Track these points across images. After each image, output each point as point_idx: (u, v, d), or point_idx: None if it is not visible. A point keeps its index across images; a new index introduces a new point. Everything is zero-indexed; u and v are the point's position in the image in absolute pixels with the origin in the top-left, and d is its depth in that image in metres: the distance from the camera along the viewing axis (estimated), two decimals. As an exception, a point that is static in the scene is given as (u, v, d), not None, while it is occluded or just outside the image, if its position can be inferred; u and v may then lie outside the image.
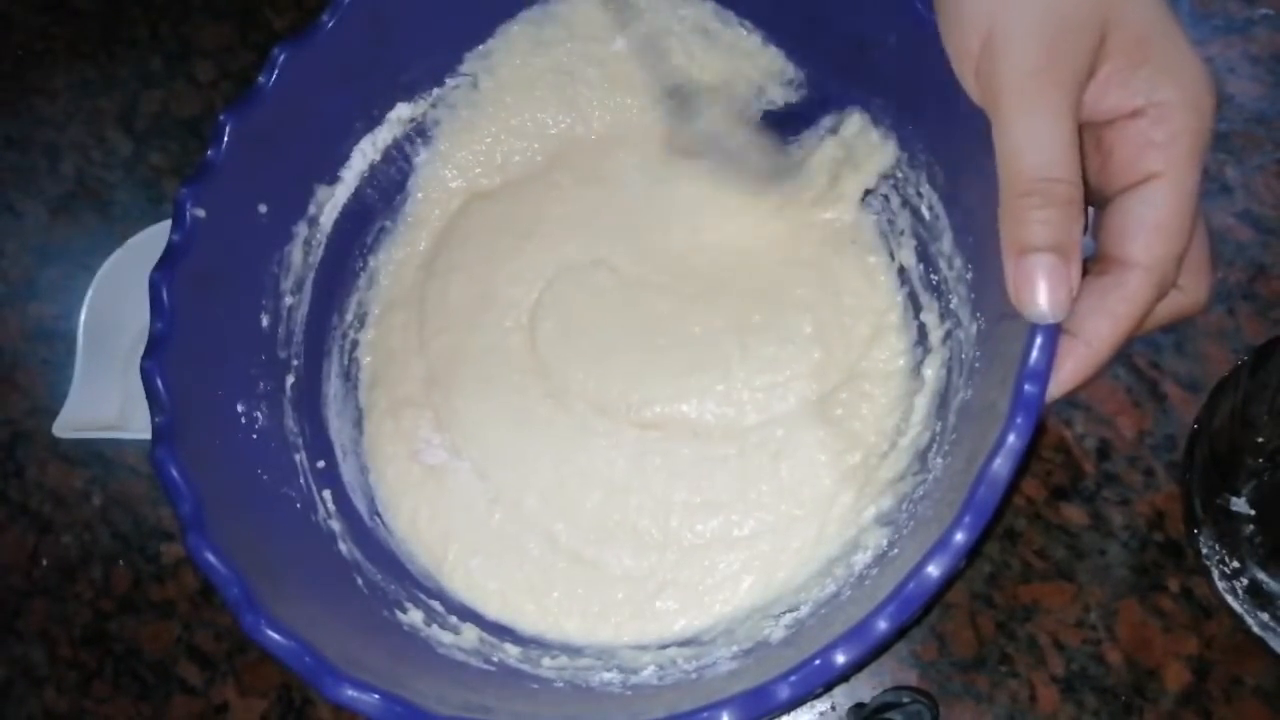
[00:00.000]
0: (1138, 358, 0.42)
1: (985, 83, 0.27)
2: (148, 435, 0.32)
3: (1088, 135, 0.27)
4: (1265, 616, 0.36)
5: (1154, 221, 0.25)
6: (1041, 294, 0.25)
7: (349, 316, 0.42)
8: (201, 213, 0.34)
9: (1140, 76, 0.26)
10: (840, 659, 0.26)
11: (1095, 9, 0.25)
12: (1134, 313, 0.26)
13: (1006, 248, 0.26)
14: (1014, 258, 0.26)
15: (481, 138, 0.44)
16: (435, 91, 0.42)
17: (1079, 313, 0.26)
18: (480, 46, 0.41)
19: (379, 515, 0.40)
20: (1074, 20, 0.25)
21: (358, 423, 0.41)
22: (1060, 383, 0.26)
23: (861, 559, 0.34)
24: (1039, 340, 0.27)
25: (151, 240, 0.46)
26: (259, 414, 0.36)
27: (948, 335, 0.36)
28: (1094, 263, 0.27)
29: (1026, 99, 0.25)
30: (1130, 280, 0.26)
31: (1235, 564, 0.36)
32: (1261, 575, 0.36)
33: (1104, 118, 0.27)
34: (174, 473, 0.31)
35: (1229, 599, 0.36)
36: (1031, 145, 0.25)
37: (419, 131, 0.42)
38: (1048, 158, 0.25)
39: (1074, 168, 0.25)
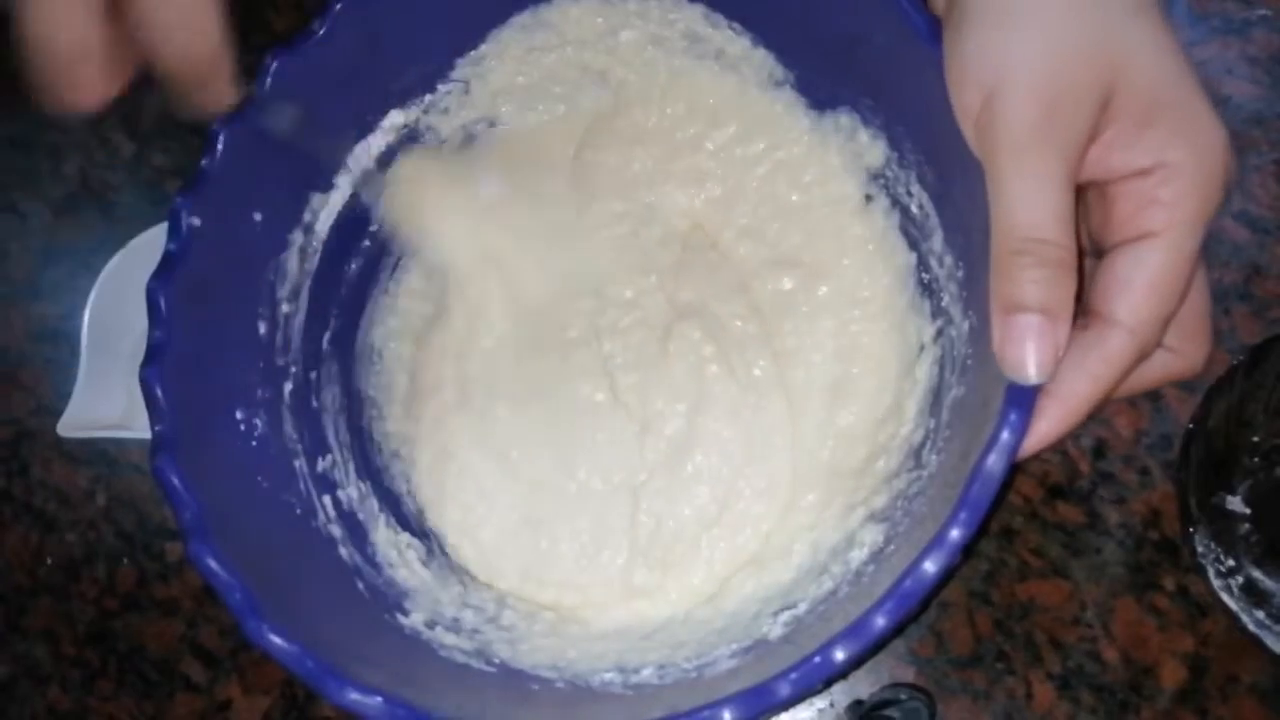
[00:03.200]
0: (1134, 357, 0.42)
1: (982, 139, 0.27)
2: (150, 433, 0.32)
3: (1094, 191, 0.27)
4: (1260, 614, 0.36)
5: (1143, 281, 0.25)
6: (1029, 356, 0.25)
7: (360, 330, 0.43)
8: (197, 221, 0.34)
9: (1148, 138, 0.25)
10: (839, 655, 0.26)
11: (1101, 71, 0.25)
12: (1112, 374, 0.25)
13: (995, 304, 0.26)
14: (1001, 315, 0.26)
15: None
16: (428, 98, 0.42)
17: (1058, 367, 0.26)
18: (472, 52, 0.42)
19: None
20: (1077, 83, 0.25)
21: (358, 429, 0.42)
22: (1034, 439, 0.26)
23: (858, 556, 0.34)
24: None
25: (154, 241, 0.46)
26: (258, 421, 0.36)
27: (939, 333, 0.36)
28: (1079, 315, 0.27)
29: (1021, 160, 0.25)
30: (1111, 340, 0.25)
31: (1231, 562, 0.36)
32: (1257, 573, 0.36)
33: (1110, 177, 0.26)
34: (175, 480, 0.31)
35: (1224, 597, 0.36)
36: (1024, 205, 0.25)
37: (412, 137, 0.42)
38: (1039, 218, 0.25)
39: (1066, 231, 0.25)
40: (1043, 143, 0.25)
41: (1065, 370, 0.25)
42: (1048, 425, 0.26)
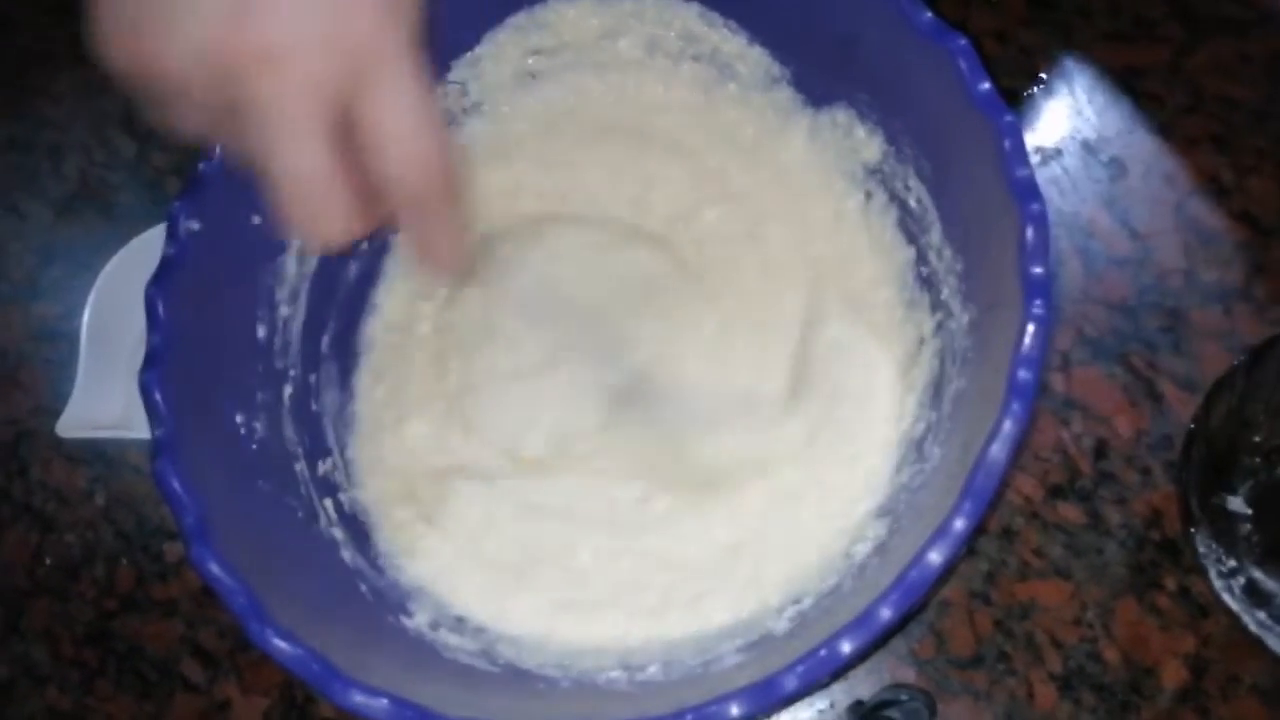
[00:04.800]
0: (1135, 358, 0.42)
1: None
2: (150, 435, 0.32)
3: None
4: (1262, 615, 0.36)
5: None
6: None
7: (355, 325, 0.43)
8: (195, 226, 0.34)
9: None
10: (846, 648, 0.27)
11: None
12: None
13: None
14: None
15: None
16: None
17: None
18: (468, 54, 0.42)
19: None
20: None
21: (357, 431, 0.42)
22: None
23: (862, 550, 0.34)
24: (1031, 328, 0.28)
25: (154, 241, 0.46)
26: (258, 424, 0.36)
27: (939, 326, 0.36)
28: None
29: None
30: None
31: (1232, 563, 0.36)
32: (1258, 574, 0.36)
33: None
34: (175, 485, 0.31)
35: (1226, 598, 0.36)
36: None
37: None
38: None
39: None
40: None
41: None
42: None
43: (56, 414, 0.45)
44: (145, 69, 0.24)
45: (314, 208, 0.25)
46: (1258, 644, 0.36)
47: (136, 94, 0.26)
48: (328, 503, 0.38)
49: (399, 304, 0.44)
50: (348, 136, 0.25)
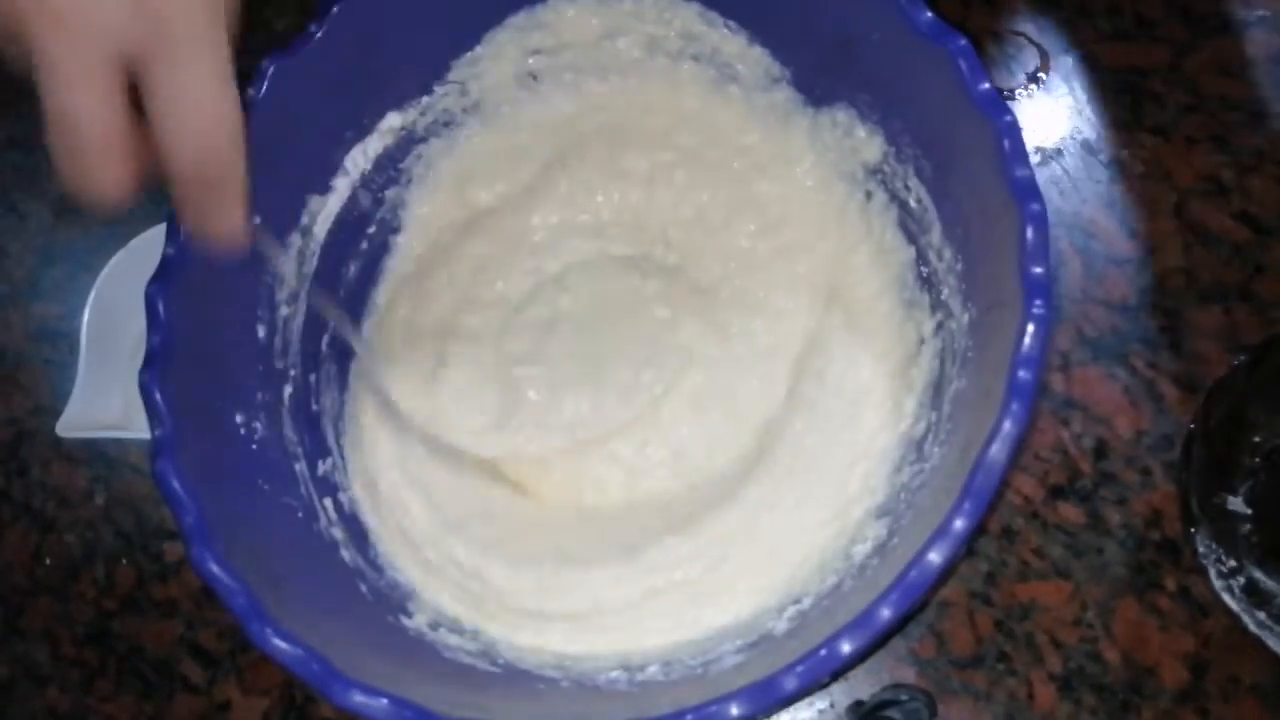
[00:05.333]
0: (1135, 358, 0.42)
1: None
2: (150, 435, 0.32)
3: None
4: (1262, 615, 0.36)
5: None
6: None
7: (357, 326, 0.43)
8: None
9: None
10: (846, 648, 0.27)
11: None
12: None
13: None
14: None
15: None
16: (424, 100, 0.42)
17: None
18: (468, 54, 0.42)
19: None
20: None
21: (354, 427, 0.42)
22: None
23: (862, 550, 0.34)
24: (1031, 328, 0.28)
25: (154, 240, 0.46)
26: (258, 424, 0.36)
27: (939, 326, 0.36)
28: None
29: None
30: None
31: (1232, 563, 0.36)
32: (1258, 574, 0.36)
33: None
34: (175, 485, 0.31)
35: (1226, 598, 0.36)
36: None
37: (409, 139, 0.42)
38: None
39: None
40: None
41: None
42: None
43: (56, 414, 0.45)
44: None
45: (81, 159, 0.25)
46: (1258, 644, 0.36)
47: None
48: (327, 502, 0.38)
49: (399, 303, 0.44)
50: (138, 101, 0.25)
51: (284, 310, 0.39)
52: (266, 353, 0.38)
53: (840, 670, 0.27)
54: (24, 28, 0.24)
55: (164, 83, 0.24)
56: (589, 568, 0.37)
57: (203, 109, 0.25)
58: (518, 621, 0.37)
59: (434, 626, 0.36)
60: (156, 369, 0.32)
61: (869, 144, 0.39)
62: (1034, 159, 0.44)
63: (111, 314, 0.46)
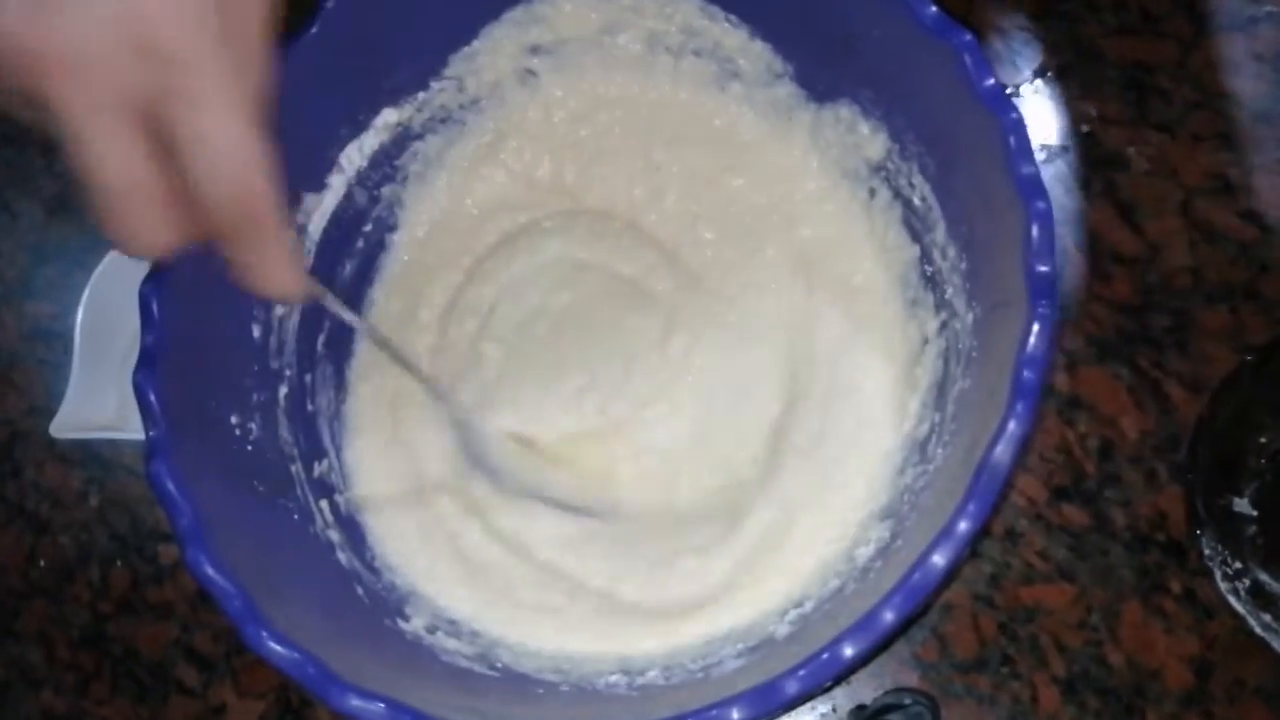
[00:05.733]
0: (1140, 358, 0.42)
1: None
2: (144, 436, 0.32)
3: None
4: (1267, 617, 0.36)
5: None
6: None
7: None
8: None
9: None
10: (848, 652, 0.26)
11: None
12: None
13: None
14: None
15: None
16: (421, 96, 0.41)
17: None
18: (465, 49, 0.41)
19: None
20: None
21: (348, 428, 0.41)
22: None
23: (865, 552, 0.34)
24: (1036, 327, 0.28)
25: (149, 239, 0.45)
26: (253, 425, 0.36)
27: (943, 326, 0.36)
28: None
29: None
30: None
31: (1237, 565, 0.36)
32: (1263, 576, 0.36)
33: None
34: (170, 486, 0.30)
35: (1231, 600, 0.36)
36: None
37: (406, 136, 0.42)
38: None
39: None
40: None
41: None
42: None
43: (50, 414, 0.44)
44: None
45: (123, 218, 0.23)
46: (1263, 646, 0.36)
47: None
48: (323, 504, 0.38)
49: (396, 302, 0.43)
50: (166, 145, 0.24)
51: (279, 310, 0.39)
52: (262, 353, 0.38)
53: (842, 674, 0.27)
54: (36, 86, 0.22)
55: (183, 126, 0.23)
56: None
57: (225, 151, 0.24)
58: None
59: (431, 630, 0.36)
60: (151, 369, 0.32)
61: (872, 141, 0.38)
62: (1039, 156, 0.44)
63: (105, 313, 0.45)
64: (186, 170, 0.24)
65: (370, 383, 0.42)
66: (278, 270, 0.26)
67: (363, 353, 0.42)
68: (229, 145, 0.24)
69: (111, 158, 0.23)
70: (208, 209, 0.24)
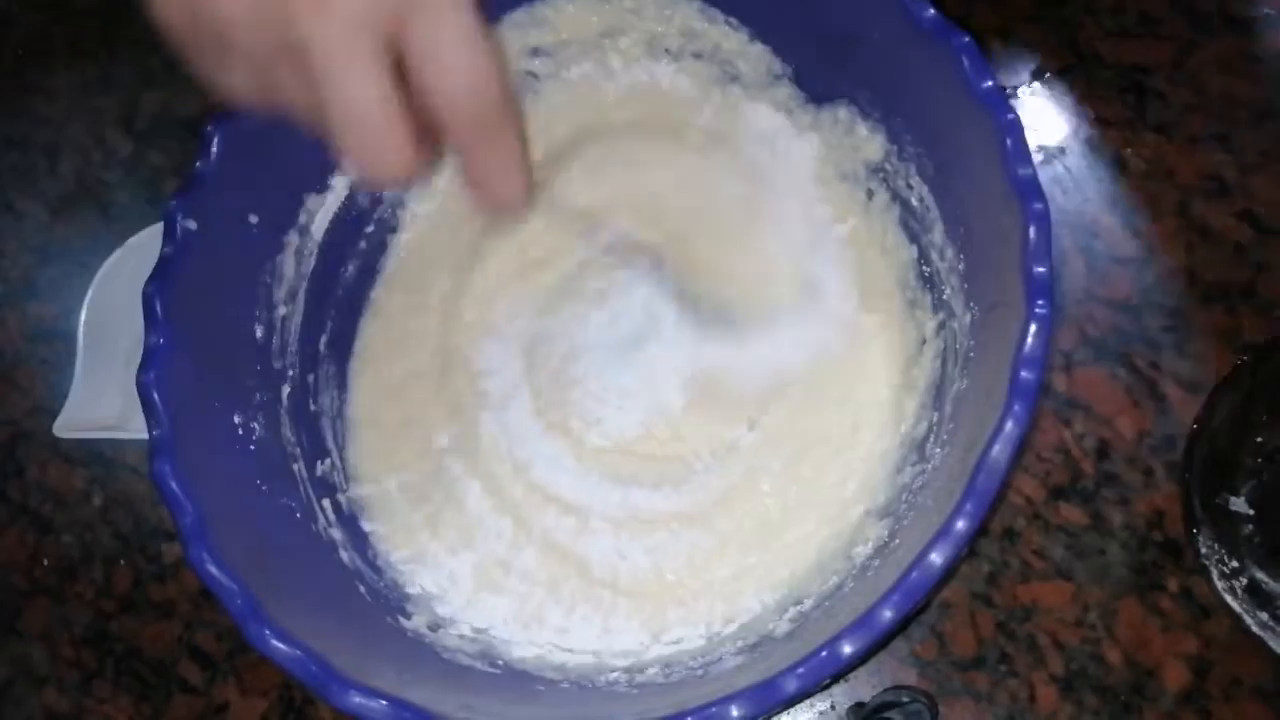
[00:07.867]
0: (1137, 358, 0.42)
1: None
2: (147, 435, 0.32)
3: None
4: (1264, 616, 0.36)
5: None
6: None
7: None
8: (192, 224, 0.34)
9: None
10: (847, 649, 0.26)
11: None
12: None
13: None
14: None
15: None
16: None
17: None
18: None
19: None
20: None
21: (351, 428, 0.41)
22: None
23: (863, 551, 0.34)
24: (1033, 328, 0.28)
25: (151, 240, 0.46)
26: (256, 425, 0.36)
27: (941, 326, 0.36)
28: None
29: None
30: None
31: (1234, 563, 0.36)
32: (1260, 575, 0.36)
33: None
34: (174, 486, 0.31)
35: (1228, 598, 0.36)
36: None
37: None
38: None
39: None
40: None
41: None
42: None
43: (54, 414, 0.45)
44: (196, 19, 0.25)
45: (374, 138, 0.25)
46: (1260, 645, 0.36)
47: (184, 50, 0.26)
48: (326, 503, 0.38)
49: (397, 302, 0.44)
50: (399, 72, 0.25)
51: (282, 310, 0.39)
52: (265, 352, 0.38)
53: (841, 672, 0.27)
54: (287, 23, 0.24)
55: (426, 40, 0.25)
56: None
57: (470, 54, 0.25)
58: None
59: (433, 628, 0.36)
60: (154, 369, 0.32)
61: (870, 142, 0.39)
62: (1036, 157, 0.44)
63: (109, 313, 0.45)
64: (429, 80, 0.25)
65: (371, 374, 0.42)
66: (514, 174, 0.27)
67: (364, 346, 0.43)
68: (471, 48, 0.25)
69: (363, 83, 0.24)
70: (452, 115, 0.25)
